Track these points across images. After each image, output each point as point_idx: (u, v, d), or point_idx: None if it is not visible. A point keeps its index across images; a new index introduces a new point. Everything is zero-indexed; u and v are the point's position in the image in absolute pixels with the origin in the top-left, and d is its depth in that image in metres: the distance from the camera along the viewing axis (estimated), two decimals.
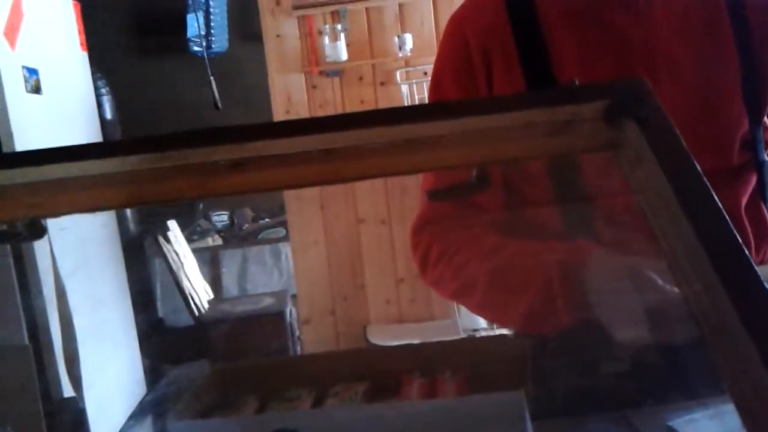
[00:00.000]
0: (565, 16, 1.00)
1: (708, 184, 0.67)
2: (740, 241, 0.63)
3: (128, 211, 3.63)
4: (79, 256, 2.27)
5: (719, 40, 1.00)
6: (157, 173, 0.77)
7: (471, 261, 0.99)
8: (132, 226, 3.70)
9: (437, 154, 0.80)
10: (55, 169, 0.75)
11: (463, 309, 2.17)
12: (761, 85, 1.03)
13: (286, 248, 3.94)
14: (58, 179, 0.75)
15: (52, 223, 0.81)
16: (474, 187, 1.03)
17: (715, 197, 0.66)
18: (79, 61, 2.89)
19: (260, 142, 0.75)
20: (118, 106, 3.76)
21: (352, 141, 0.76)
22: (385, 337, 2.80)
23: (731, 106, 1.02)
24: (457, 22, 1.07)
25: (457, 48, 1.05)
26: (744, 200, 1.05)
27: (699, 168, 0.68)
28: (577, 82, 0.75)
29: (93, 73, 3.09)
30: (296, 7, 2.85)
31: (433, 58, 1.13)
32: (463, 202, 1.05)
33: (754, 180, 1.05)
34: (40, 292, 1.82)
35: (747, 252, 0.61)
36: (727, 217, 0.64)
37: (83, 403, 1.76)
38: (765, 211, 1.07)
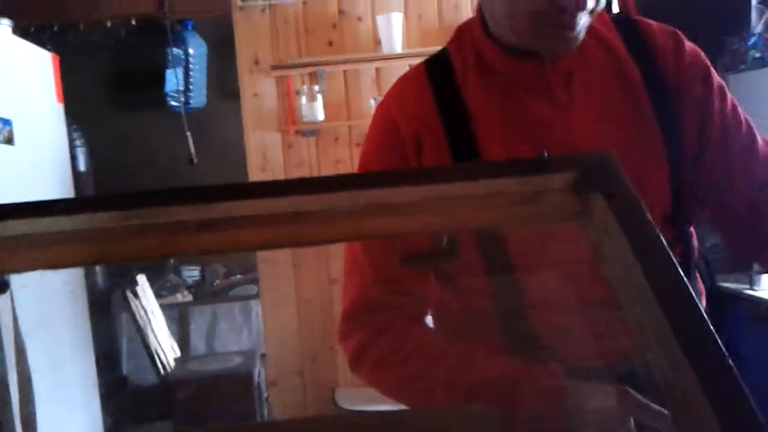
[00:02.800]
0: (490, 105, 1.02)
1: (673, 257, 0.68)
2: (705, 316, 0.63)
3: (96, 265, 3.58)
4: (40, 312, 2.23)
5: (641, 118, 1.01)
6: (124, 231, 0.76)
7: (426, 375, 0.97)
8: (100, 279, 3.64)
9: (408, 219, 0.80)
10: (19, 225, 0.74)
11: None
12: (684, 153, 1.02)
13: (257, 306, 3.89)
14: (22, 235, 0.74)
15: (14, 279, 0.79)
16: (446, 254, 1.04)
17: (680, 271, 0.67)
18: (55, 112, 2.88)
19: (228, 203, 0.75)
20: (92, 159, 3.75)
21: (321, 204, 0.76)
22: (353, 400, 2.75)
23: (657, 185, 1.01)
24: (386, 110, 1.08)
25: (388, 135, 1.05)
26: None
27: (664, 241, 0.69)
28: (546, 155, 0.76)
29: (69, 125, 3.08)
30: (275, 68, 2.89)
31: None
32: (398, 288, 1.03)
33: (677, 253, 1.05)
34: (1, 348, 1.76)
35: (709, 326, 0.62)
36: (692, 292, 0.65)
37: None
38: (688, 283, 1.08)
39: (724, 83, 1.07)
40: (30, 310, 1.96)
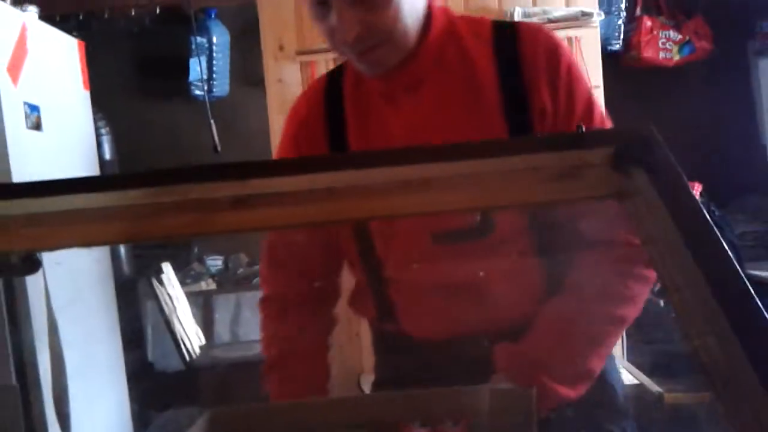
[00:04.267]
0: (358, 113, 1.11)
1: (719, 235, 0.66)
2: (753, 292, 0.61)
3: (122, 253, 3.60)
4: (71, 291, 2.25)
5: (488, 123, 1.04)
6: (156, 209, 0.75)
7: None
8: (126, 267, 3.66)
9: (442, 196, 0.79)
10: (53, 202, 0.74)
11: None
12: None
13: None
14: (56, 212, 0.73)
15: (46, 257, 0.79)
16: (479, 232, 1.03)
17: (727, 249, 0.65)
18: (81, 99, 2.90)
19: (261, 180, 0.74)
20: (117, 147, 3.76)
21: (355, 180, 0.75)
22: None
23: None
24: (290, 110, 1.21)
25: (285, 138, 1.20)
26: (505, 262, 1.08)
27: (709, 219, 0.67)
28: (584, 128, 0.74)
29: (94, 113, 3.10)
30: (299, 53, 2.88)
31: None
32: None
33: (522, 242, 1.07)
34: (30, 327, 1.78)
35: (758, 303, 0.60)
36: (740, 271, 0.63)
37: None
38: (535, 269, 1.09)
39: (589, 95, 1.08)
40: (62, 289, 1.97)
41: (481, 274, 1.04)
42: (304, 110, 1.17)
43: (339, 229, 1.14)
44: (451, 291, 1.05)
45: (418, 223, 1.03)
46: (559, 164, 0.76)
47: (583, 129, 0.75)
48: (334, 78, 1.16)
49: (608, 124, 1.09)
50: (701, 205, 0.69)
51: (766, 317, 0.59)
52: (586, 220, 0.98)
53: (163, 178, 0.75)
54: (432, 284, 1.07)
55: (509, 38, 1.07)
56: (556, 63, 1.05)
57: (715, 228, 0.67)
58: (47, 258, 0.78)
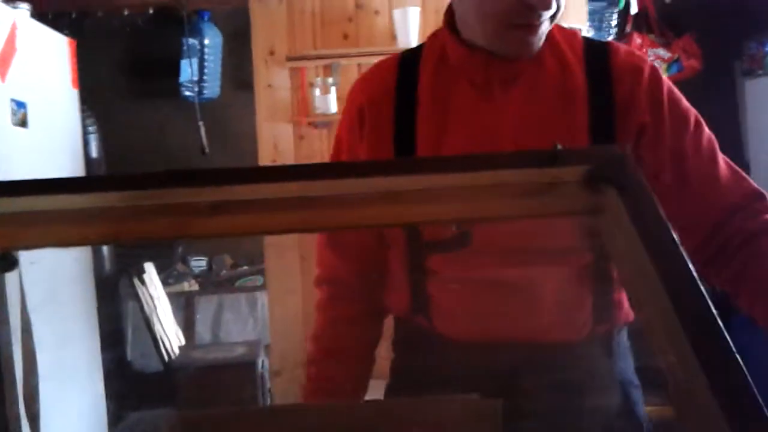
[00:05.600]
0: (436, 92, 1.09)
1: (684, 252, 0.68)
2: (715, 313, 0.63)
3: (105, 251, 3.59)
4: (47, 290, 2.24)
5: (573, 130, 1.05)
6: (135, 211, 0.76)
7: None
8: (108, 265, 3.65)
9: (417, 208, 0.80)
10: (31, 202, 0.74)
11: None
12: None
13: (262, 297, 3.89)
14: (32, 212, 0.74)
15: (22, 256, 0.79)
16: (456, 243, 1.05)
17: (690, 267, 0.66)
18: (69, 97, 2.89)
19: (240, 186, 0.75)
20: (105, 146, 3.75)
21: (333, 190, 0.76)
22: None
23: None
24: (352, 89, 1.20)
25: (349, 112, 1.18)
26: (556, 277, 1.07)
27: (676, 237, 0.69)
28: (559, 146, 0.76)
29: (83, 111, 3.09)
30: (290, 59, 2.89)
31: None
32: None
33: (582, 260, 1.07)
34: (8, 326, 1.77)
35: (720, 323, 0.61)
36: (703, 288, 0.64)
37: None
38: (586, 289, 1.09)
39: (695, 115, 1.10)
40: (37, 288, 1.96)
41: (536, 287, 1.05)
42: (374, 86, 1.15)
43: None
44: (496, 296, 1.05)
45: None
46: (534, 180, 0.77)
47: (559, 147, 0.77)
48: (409, 60, 1.15)
49: (715, 144, 1.10)
50: (669, 225, 0.70)
51: (726, 338, 0.60)
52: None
53: (142, 181, 0.75)
54: (477, 286, 1.06)
55: (601, 54, 1.09)
56: (657, 82, 1.08)
57: (681, 248, 0.68)
58: (22, 257, 0.78)
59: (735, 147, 3.68)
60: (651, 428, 1.15)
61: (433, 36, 1.16)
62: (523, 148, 1.00)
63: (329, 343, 1.22)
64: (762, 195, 1.07)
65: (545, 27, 1.03)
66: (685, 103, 1.10)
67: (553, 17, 1.03)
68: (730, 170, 1.08)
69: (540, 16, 1.00)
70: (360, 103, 1.14)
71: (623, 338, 1.16)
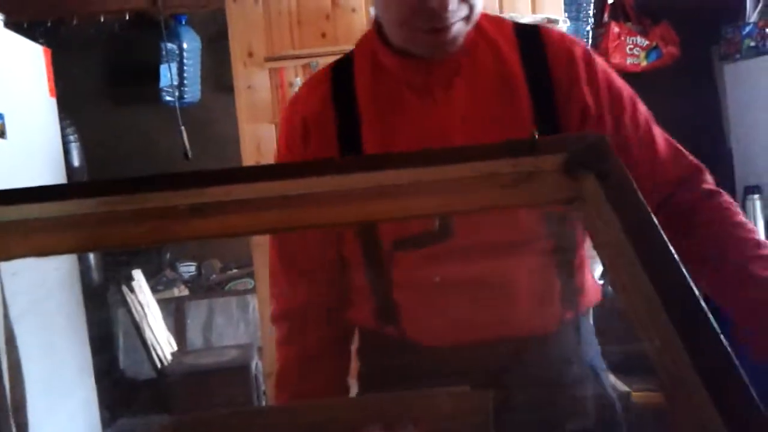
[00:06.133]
0: (377, 101, 1.08)
1: (665, 238, 0.68)
2: (698, 294, 0.63)
3: (92, 260, 3.57)
4: (33, 300, 2.21)
5: (518, 120, 1.04)
6: (115, 217, 0.76)
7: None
8: (95, 274, 3.63)
9: (399, 202, 0.80)
10: (8, 211, 0.74)
11: None
12: None
13: (253, 299, 3.88)
14: (11, 221, 0.73)
15: (3, 267, 0.78)
16: (437, 236, 1.04)
17: (673, 252, 0.66)
18: (47, 107, 2.87)
19: (220, 188, 0.75)
20: (86, 154, 3.73)
21: (312, 188, 0.76)
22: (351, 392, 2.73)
23: None
24: (289, 110, 1.18)
25: (286, 128, 1.16)
26: (525, 269, 1.07)
27: (657, 222, 0.69)
28: (537, 135, 0.76)
29: (62, 120, 3.06)
30: (268, 59, 2.88)
31: None
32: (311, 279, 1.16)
33: (544, 248, 1.07)
34: None
35: (704, 305, 0.62)
36: (685, 272, 0.64)
37: None
38: (554, 278, 1.09)
39: (630, 93, 1.11)
40: (21, 299, 1.93)
41: (506, 283, 1.05)
42: (310, 104, 1.13)
43: (341, 229, 1.11)
44: (467, 297, 1.04)
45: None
46: (514, 170, 0.77)
47: (537, 135, 0.77)
48: (342, 70, 1.13)
49: (651, 120, 1.11)
50: (649, 210, 0.70)
51: (711, 321, 0.61)
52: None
53: (120, 187, 0.75)
54: (446, 289, 1.04)
55: (535, 41, 1.09)
56: (592, 63, 1.08)
57: (662, 233, 0.68)
58: (3, 268, 0.77)
59: (716, 131, 3.70)
60: (621, 410, 1.15)
61: (361, 43, 1.15)
62: (474, 143, 0.98)
63: (297, 386, 1.16)
64: (701, 168, 1.09)
65: (458, 28, 1.01)
66: (619, 81, 1.11)
67: (468, 18, 1.02)
68: (668, 146, 1.10)
69: (444, 19, 0.98)
70: (303, 117, 1.12)
71: (589, 323, 1.17)
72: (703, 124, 3.74)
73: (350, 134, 1.07)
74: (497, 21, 1.12)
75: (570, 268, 1.09)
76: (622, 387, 2.25)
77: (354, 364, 1.19)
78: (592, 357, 1.15)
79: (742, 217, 1.03)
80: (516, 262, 1.05)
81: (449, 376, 0.97)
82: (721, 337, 0.59)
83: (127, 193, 0.75)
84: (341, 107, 1.09)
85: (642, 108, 1.10)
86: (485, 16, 1.09)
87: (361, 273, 1.11)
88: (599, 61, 1.10)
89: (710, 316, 0.60)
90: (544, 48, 1.08)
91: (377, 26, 1.11)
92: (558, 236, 1.05)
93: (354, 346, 1.20)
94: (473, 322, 1.05)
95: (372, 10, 2.88)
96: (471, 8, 1.01)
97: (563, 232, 1.07)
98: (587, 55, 1.09)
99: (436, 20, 0.99)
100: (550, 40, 1.09)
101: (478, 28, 1.07)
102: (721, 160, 3.61)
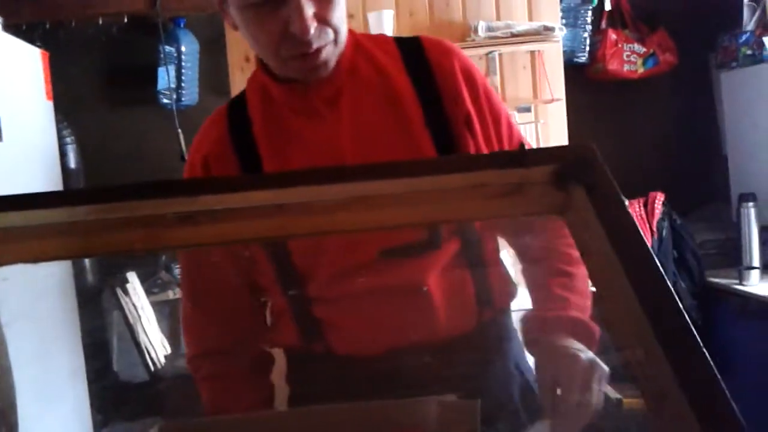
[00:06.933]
0: (270, 131, 1.10)
1: (650, 250, 0.69)
2: (681, 307, 0.63)
3: (86, 262, 3.57)
4: (25, 304, 2.22)
5: (411, 131, 1.07)
6: (105, 225, 0.76)
7: None
8: (90, 277, 3.63)
9: (389, 212, 0.80)
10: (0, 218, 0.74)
11: None
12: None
13: None
14: (2, 228, 0.73)
15: None
16: (426, 246, 1.05)
17: (657, 263, 0.67)
18: (44, 109, 2.87)
19: (210, 197, 0.75)
20: (83, 156, 3.73)
21: (302, 197, 0.76)
22: None
23: None
24: (189, 157, 1.18)
25: (188, 167, 1.16)
26: (437, 270, 1.09)
27: (642, 234, 0.70)
28: (525, 147, 0.76)
29: (59, 122, 3.07)
30: None
31: None
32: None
33: (453, 248, 1.09)
34: None
35: (686, 317, 0.62)
36: (669, 283, 0.65)
37: None
38: (467, 277, 1.12)
39: (505, 110, 1.15)
40: (11, 304, 1.94)
41: (425, 288, 1.06)
42: (209, 144, 1.14)
43: (248, 255, 1.12)
44: (390, 305, 1.06)
45: (363, 238, 1.04)
46: (502, 181, 0.78)
47: (526, 147, 0.77)
48: (236, 108, 1.15)
49: (524, 140, 1.14)
50: (636, 223, 0.71)
51: (694, 334, 0.61)
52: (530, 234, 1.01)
53: (110, 194, 0.75)
54: (371, 299, 1.07)
55: (416, 51, 1.12)
56: (471, 72, 1.11)
57: (647, 245, 0.69)
58: None
59: (712, 139, 3.72)
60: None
61: (251, 80, 1.17)
62: (366, 159, 1.02)
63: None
64: None
65: (328, 52, 1.03)
66: (496, 96, 1.14)
67: (335, 41, 1.04)
68: None
69: (308, 44, 1.00)
70: (203, 156, 1.12)
71: (510, 321, 1.20)
72: (698, 132, 3.75)
73: (251, 167, 1.09)
74: (377, 38, 1.16)
75: (482, 266, 1.12)
76: (614, 394, 2.25)
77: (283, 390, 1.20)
78: (517, 355, 1.18)
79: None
80: (430, 264, 1.07)
81: (379, 385, 1.02)
82: (704, 349, 0.59)
83: (118, 201, 0.76)
84: (240, 145, 1.11)
85: (516, 127, 1.14)
86: (364, 36, 1.14)
87: (279, 295, 1.12)
88: (476, 68, 1.14)
89: (693, 329, 0.61)
90: (427, 57, 1.11)
91: (260, 60, 1.12)
92: (464, 235, 1.08)
93: (281, 372, 1.21)
94: (393, 329, 1.07)
95: (370, 17, 2.89)
96: (336, 32, 1.03)
97: (471, 231, 1.10)
98: (464, 63, 1.12)
99: (302, 46, 1.01)
100: (430, 48, 1.12)
101: (358, 46, 1.10)
102: (716, 168, 3.62)
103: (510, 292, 1.18)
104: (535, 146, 2.49)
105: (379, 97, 1.09)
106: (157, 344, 3.47)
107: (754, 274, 2.95)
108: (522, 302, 1.17)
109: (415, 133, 1.06)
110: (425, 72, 1.09)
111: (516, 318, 1.17)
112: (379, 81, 1.09)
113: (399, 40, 1.14)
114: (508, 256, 1.20)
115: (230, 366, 1.17)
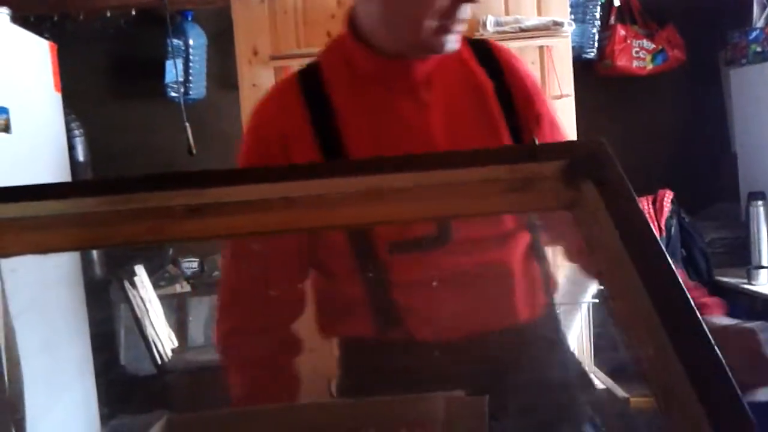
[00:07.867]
0: (358, 107, 1.08)
1: (661, 246, 0.68)
2: (692, 303, 0.63)
3: (94, 255, 3.58)
4: (34, 296, 2.23)
5: (493, 125, 1.10)
6: (113, 216, 0.76)
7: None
8: (98, 269, 3.64)
9: (398, 206, 0.80)
10: (8, 209, 0.74)
11: None
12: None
13: None
14: (9, 219, 0.73)
15: (2, 264, 0.79)
16: (436, 241, 1.05)
17: (669, 260, 0.66)
18: (52, 102, 2.87)
19: (218, 189, 0.75)
20: (91, 149, 3.73)
21: (312, 191, 0.76)
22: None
23: None
24: (255, 126, 1.15)
25: (258, 141, 1.13)
26: (516, 259, 1.11)
27: (654, 230, 0.69)
28: (536, 141, 0.76)
29: (67, 115, 3.07)
30: (273, 58, 2.88)
31: None
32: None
33: (527, 239, 1.12)
34: None
35: (697, 315, 0.62)
36: (680, 279, 0.65)
37: None
38: (537, 267, 1.15)
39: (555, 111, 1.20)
40: (21, 295, 1.94)
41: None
42: (284, 117, 1.10)
43: (315, 240, 1.10)
44: (465, 286, 1.07)
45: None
46: (513, 176, 0.77)
47: (537, 142, 0.77)
48: (309, 78, 1.12)
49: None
50: (647, 218, 0.70)
51: (705, 330, 0.61)
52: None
53: (118, 186, 0.75)
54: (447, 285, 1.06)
55: (488, 51, 1.15)
56: (534, 79, 1.18)
57: (658, 240, 0.68)
58: (4, 264, 0.78)
59: (721, 136, 3.70)
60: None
61: (332, 51, 1.15)
62: (456, 146, 1.03)
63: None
64: None
65: (462, 29, 1.06)
66: (548, 100, 1.20)
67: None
68: None
69: (461, 19, 1.03)
70: (279, 131, 1.09)
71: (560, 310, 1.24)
72: (707, 129, 3.74)
73: (333, 144, 1.06)
74: None
75: (544, 257, 1.16)
76: (621, 393, 2.25)
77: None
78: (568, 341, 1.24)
79: None
80: (508, 253, 1.10)
81: (452, 372, 1.01)
82: (715, 347, 0.59)
83: (127, 193, 0.76)
84: (319, 119, 1.08)
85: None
86: None
87: (352, 282, 1.10)
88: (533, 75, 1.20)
89: (704, 325, 0.61)
90: (497, 58, 1.15)
91: (353, 31, 1.11)
92: (531, 228, 1.12)
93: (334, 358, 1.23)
94: (472, 315, 1.07)
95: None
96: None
97: (534, 222, 1.13)
98: (526, 69, 1.18)
99: (453, 20, 1.02)
100: (501, 50, 1.17)
101: None
102: (725, 166, 3.60)
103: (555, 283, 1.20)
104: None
105: (465, 88, 1.11)
106: (164, 337, 3.48)
107: (763, 274, 2.93)
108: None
109: (499, 128, 1.09)
110: (499, 72, 1.13)
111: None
112: (463, 73, 1.12)
113: (469, 40, 1.16)
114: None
115: (263, 348, 1.19)
